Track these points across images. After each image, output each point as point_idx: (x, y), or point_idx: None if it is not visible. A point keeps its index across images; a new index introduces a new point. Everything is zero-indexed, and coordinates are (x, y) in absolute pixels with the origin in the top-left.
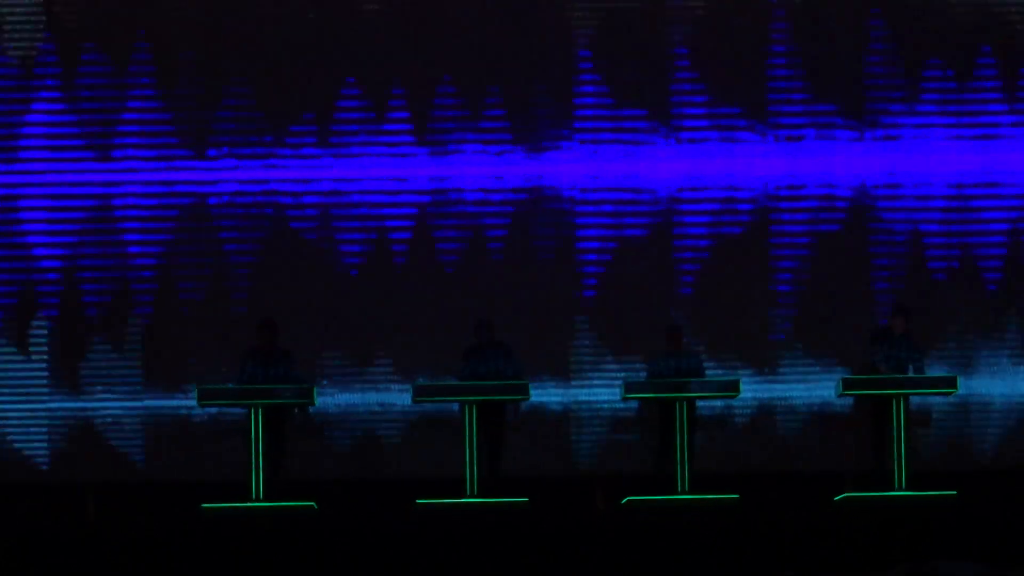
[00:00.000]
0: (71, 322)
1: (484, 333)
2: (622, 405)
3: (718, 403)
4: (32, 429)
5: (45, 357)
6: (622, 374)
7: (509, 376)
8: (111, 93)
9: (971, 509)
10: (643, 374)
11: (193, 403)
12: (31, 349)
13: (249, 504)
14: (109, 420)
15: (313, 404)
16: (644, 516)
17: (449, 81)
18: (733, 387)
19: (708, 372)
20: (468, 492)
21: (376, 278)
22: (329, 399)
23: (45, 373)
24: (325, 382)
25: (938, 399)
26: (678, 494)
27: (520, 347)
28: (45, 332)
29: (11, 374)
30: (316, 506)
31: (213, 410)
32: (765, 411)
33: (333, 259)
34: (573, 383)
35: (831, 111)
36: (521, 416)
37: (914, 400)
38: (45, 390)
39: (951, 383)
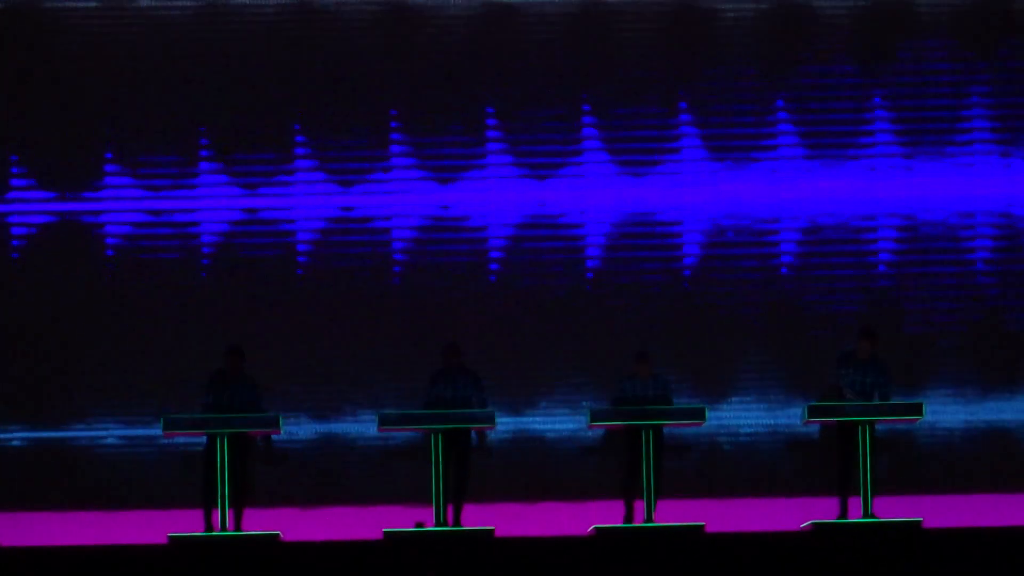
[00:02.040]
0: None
1: (452, 358)
2: (589, 432)
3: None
4: None
5: None
6: (588, 401)
7: (475, 402)
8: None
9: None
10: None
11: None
12: None
13: (214, 534)
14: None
15: (279, 433)
16: (611, 543)
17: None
18: (699, 414)
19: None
20: (436, 520)
21: (347, 305)
22: (295, 427)
23: None
24: (301, 417)
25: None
26: (644, 522)
27: (487, 372)
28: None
29: None
30: (280, 535)
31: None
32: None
33: (304, 287)
34: (540, 409)
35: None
36: (488, 444)
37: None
38: None
39: (916, 410)
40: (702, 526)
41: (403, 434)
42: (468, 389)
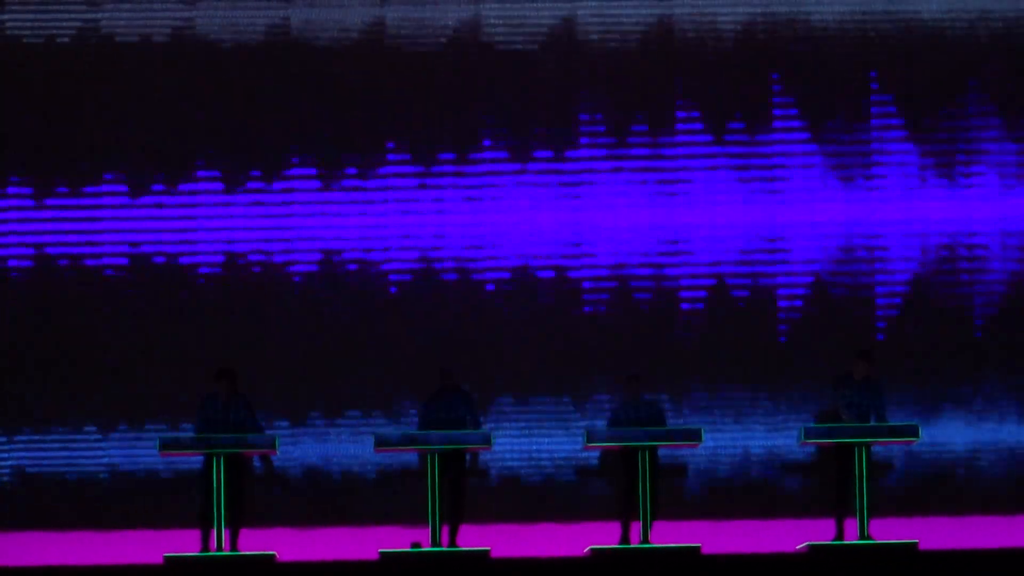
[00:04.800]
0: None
1: (446, 379)
2: (584, 453)
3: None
4: None
5: None
6: (584, 422)
7: (468, 423)
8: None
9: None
10: (602, 423)
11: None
12: None
13: (210, 554)
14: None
15: (275, 452)
16: (608, 564)
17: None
18: (695, 436)
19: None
20: (432, 541)
21: (343, 327)
22: (291, 447)
23: None
24: (297, 437)
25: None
26: (641, 543)
27: (485, 394)
28: None
29: None
30: (276, 555)
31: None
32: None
33: (300, 309)
34: (535, 430)
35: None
36: (480, 464)
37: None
38: None
39: (913, 431)
40: (698, 547)
41: (399, 456)
42: (462, 410)
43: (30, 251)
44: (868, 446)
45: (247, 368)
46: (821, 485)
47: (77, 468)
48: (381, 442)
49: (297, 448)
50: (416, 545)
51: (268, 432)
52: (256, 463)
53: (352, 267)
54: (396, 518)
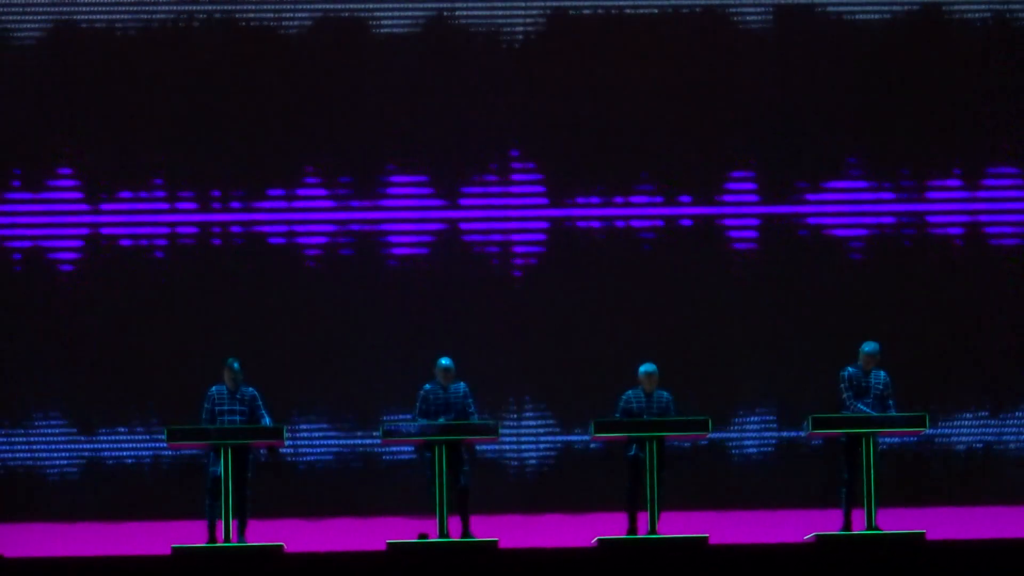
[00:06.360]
0: None
1: (446, 371)
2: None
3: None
4: None
5: None
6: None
7: (468, 414)
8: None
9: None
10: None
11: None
12: None
13: (218, 545)
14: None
15: (283, 444)
16: (615, 554)
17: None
18: (702, 426)
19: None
20: (439, 532)
21: (351, 318)
22: (298, 438)
23: None
24: (306, 428)
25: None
26: (648, 534)
27: (493, 385)
28: None
29: None
30: (284, 546)
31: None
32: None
33: (308, 301)
34: (543, 421)
35: None
36: (489, 455)
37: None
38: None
39: (920, 422)
40: (705, 538)
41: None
42: (460, 400)
43: (27, 244)
44: (875, 437)
45: (254, 360)
46: (828, 475)
47: (83, 460)
48: (389, 433)
49: (304, 439)
50: (423, 536)
51: (275, 423)
52: (261, 452)
53: (359, 262)
54: (404, 509)
